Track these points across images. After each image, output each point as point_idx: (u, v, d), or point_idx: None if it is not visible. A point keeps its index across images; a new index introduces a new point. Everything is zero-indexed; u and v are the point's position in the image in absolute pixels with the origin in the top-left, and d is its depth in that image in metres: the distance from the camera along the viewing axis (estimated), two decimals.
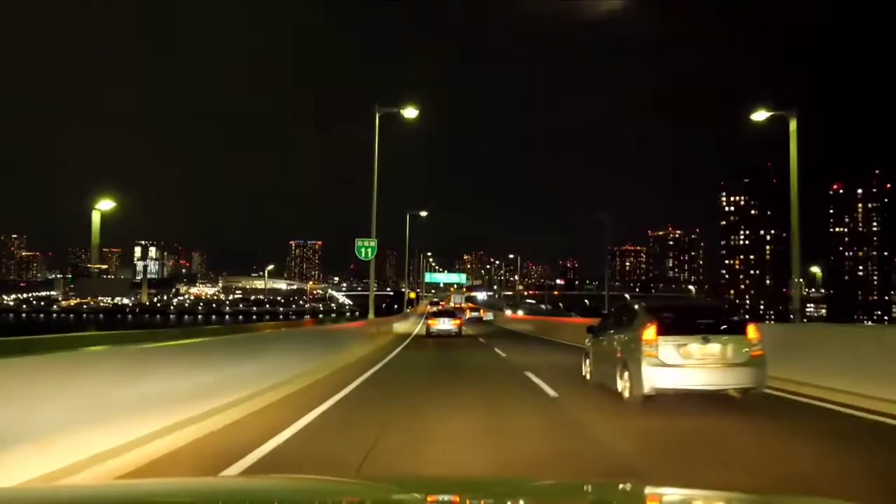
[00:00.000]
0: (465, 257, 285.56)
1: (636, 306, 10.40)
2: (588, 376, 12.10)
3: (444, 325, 30.83)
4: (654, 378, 8.97)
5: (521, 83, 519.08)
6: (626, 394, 9.54)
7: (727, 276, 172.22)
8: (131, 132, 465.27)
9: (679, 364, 8.95)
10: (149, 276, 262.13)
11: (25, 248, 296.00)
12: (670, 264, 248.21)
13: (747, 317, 10.25)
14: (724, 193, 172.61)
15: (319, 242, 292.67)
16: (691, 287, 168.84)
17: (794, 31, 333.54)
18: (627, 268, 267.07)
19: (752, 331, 9.23)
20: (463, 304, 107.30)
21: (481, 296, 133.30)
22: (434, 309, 44.82)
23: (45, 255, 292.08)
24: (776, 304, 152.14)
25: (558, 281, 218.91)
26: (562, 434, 7.67)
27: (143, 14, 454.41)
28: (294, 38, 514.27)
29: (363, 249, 21.91)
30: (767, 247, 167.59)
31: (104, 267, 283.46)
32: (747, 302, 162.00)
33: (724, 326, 9.39)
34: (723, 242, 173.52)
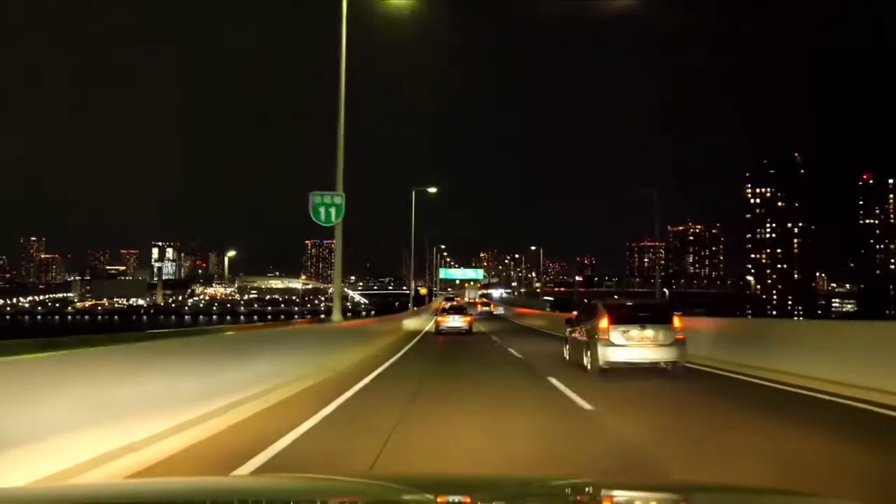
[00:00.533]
0: (482, 255, 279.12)
1: (597, 304, 13.99)
2: (567, 357, 15.67)
3: (454, 322, 31.25)
4: (607, 354, 12.54)
5: (525, 82, 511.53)
6: (589, 367, 13.11)
7: (753, 270, 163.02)
8: (145, 133, 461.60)
9: (624, 344, 12.53)
10: (166, 276, 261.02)
11: (45, 250, 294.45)
12: (691, 260, 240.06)
13: (673, 311, 13.80)
14: (750, 186, 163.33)
15: (334, 242, 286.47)
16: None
17: (806, 25, 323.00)
18: (646, 264, 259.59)
19: (676, 321, 13.02)
20: (476, 300, 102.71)
21: (497, 293, 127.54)
22: (447, 305, 43.08)
23: (63, 258, 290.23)
24: (805, 300, 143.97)
25: (577, 278, 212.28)
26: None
27: (145, 18, 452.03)
28: (295, 40, 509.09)
29: (322, 209, 14.34)
30: (795, 240, 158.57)
31: (122, 269, 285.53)
32: (774, 297, 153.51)
33: (658, 317, 13.00)
34: (748, 236, 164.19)
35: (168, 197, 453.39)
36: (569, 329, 15.65)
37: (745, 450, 6.43)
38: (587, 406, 9.02)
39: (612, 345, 12.42)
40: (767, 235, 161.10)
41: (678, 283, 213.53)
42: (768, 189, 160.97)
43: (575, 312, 16.98)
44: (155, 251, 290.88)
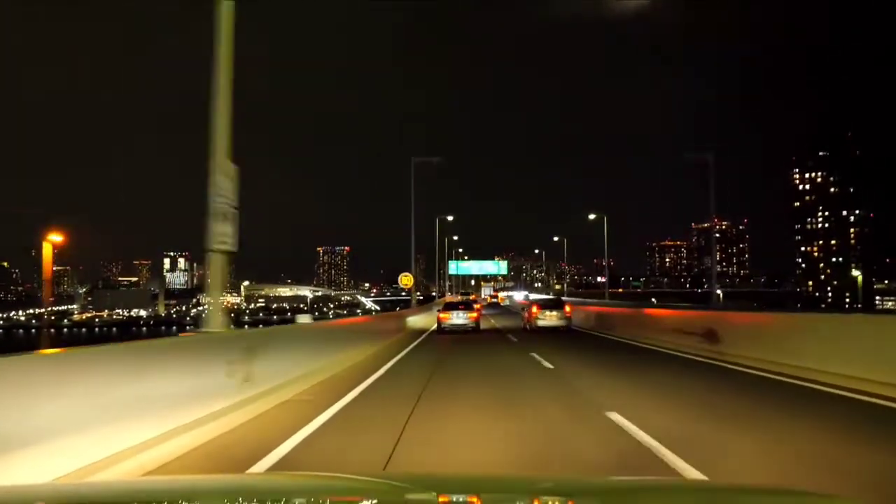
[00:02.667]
0: (496, 259, 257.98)
1: (532, 300, 32.55)
2: (521, 325, 28.67)
3: (458, 318, 26.92)
4: (536, 323, 25.69)
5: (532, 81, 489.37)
6: (528, 328, 26.36)
7: (803, 265, 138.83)
8: (153, 140, 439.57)
9: (543, 318, 25.58)
10: (178, 286, 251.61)
11: (56, 262, 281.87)
12: (718, 257, 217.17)
13: (565, 300, 30.71)
14: (797, 170, 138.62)
15: (347, 248, 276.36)
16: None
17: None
18: (668, 264, 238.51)
19: (567, 308, 26.26)
20: (490, 296, 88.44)
21: (520, 295, 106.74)
22: (456, 299, 37.05)
23: (76, 269, 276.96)
24: (864, 297, 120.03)
25: (599, 279, 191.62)
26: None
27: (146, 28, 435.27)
28: (297, 48, 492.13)
29: None
30: (851, 230, 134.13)
31: (134, 279, 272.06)
32: (829, 295, 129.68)
33: (558, 306, 26.65)
34: (797, 227, 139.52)
35: (180, 206, 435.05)
36: (522, 311, 30.73)
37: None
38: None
39: (538, 318, 25.78)
40: (819, 226, 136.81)
41: (709, 282, 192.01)
42: (819, 173, 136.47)
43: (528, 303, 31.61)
44: (167, 261, 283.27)
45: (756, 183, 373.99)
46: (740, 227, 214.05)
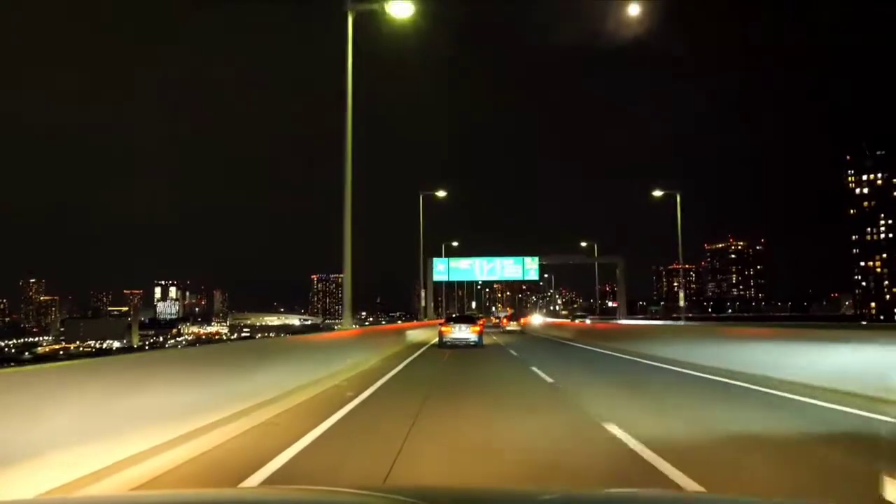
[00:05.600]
0: (496, 286, 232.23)
1: (502, 316, 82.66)
2: (502, 330, 52.82)
3: (461, 332, 25.40)
4: (506, 328, 53.18)
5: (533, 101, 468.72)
6: (501, 330, 50.18)
7: (863, 283, 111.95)
8: (148, 168, 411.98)
9: (510, 325, 55.39)
10: (168, 316, 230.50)
11: (45, 292, 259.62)
12: (734, 280, 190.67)
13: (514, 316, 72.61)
14: (853, 172, 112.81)
15: (341, 276, 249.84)
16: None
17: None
18: (676, 288, 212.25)
19: (522, 321, 58.03)
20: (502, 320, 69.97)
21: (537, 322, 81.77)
22: (455, 315, 31.99)
23: (65, 299, 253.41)
24: None
25: (610, 304, 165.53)
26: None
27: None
28: (302, 71, 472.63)
29: None
30: None
31: (124, 309, 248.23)
32: None
33: (517, 319, 61.37)
34: (854, 237, 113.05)
35: (174, 235, 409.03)
36: (498, 322, 66.83)
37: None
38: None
39: (508, 325, 54.74)
40: (882, 236, 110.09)
41: (734, 306, 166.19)
42: (880, 175, 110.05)
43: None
44: (158, 290, 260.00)
45: (779, 196, 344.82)
46: (757, 248, 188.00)
